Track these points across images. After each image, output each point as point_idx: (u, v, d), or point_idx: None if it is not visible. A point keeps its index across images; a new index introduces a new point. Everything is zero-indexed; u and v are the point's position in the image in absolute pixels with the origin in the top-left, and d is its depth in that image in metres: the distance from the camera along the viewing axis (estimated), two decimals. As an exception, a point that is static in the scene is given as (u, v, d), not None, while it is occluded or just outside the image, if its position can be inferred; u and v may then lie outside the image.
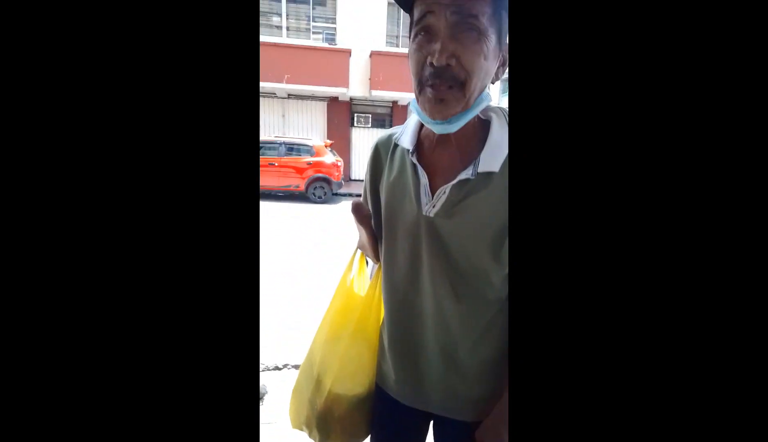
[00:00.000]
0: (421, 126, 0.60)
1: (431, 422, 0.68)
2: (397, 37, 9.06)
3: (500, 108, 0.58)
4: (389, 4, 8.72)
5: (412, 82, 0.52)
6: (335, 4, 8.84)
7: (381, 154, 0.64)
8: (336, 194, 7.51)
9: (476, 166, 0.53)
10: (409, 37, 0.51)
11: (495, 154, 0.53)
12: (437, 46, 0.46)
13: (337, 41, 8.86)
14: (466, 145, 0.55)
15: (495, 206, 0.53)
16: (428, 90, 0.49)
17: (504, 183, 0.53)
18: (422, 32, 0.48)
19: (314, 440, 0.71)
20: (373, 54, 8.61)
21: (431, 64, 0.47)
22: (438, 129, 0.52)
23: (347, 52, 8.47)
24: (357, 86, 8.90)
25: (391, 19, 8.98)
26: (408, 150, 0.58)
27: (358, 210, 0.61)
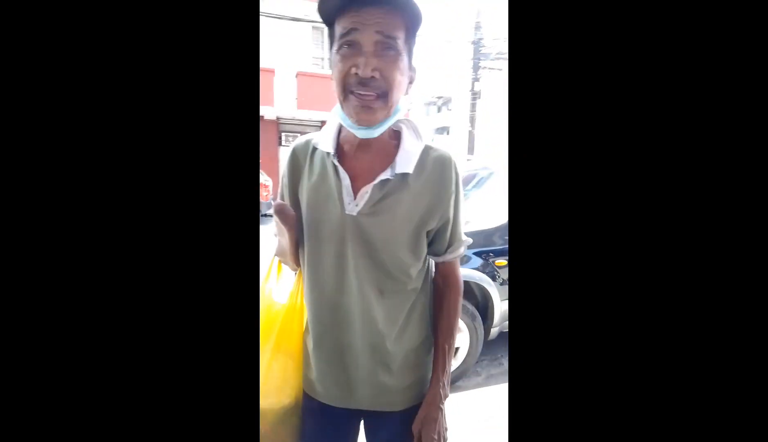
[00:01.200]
0: (340, 131, 0.63)
1: (361, 422, 0.70)
2: (323, 59, 9.22)
3: (407, 119, 0.65)
4: (314, 28, 8.87)
5: (335, 89, 0.56)
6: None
7: (299, 159, 0.65)
8: (264, 215, 7.21)
9: (394, 168, 0.59)
10: (331, 49, 0.57)
11: (409, 157, 0.60)
12: (362, 59, 0.52)
13: (261, 61, 8.69)
14: (383, 149, 0.61)
15: (412, 203, 0.60)
16: (353, 98, 0.54)
17: (419, 181, 0.60)
18: (347, 45, 0.53)
19: None
20: (299, 74, 8.63)
21: (356, 74, 0.53)
22: (362, 134, 0.58)
23: (271, 72, 8.37)
24: (284, 106, 8.79)
25: (317, 43, 9.12)
26: (329, 153, 0.61)
27: (282, 211, 0.61)
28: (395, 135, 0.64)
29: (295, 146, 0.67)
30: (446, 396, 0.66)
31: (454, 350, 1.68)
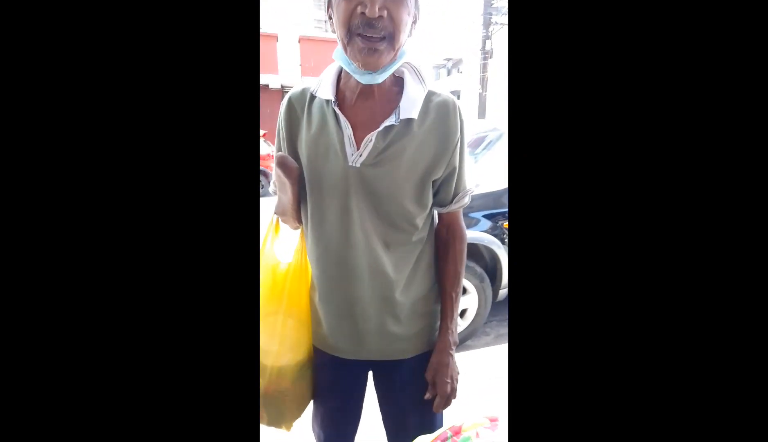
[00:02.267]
0: (339, 78, 0.60)
1: (370, 373, 0.72)
2: (326, 21, 8.84)
3: (409, 63, 0.62)
4: (315, -13, 8.44)
5: (338, 31, 0.53)
6: (257, -15, 8.31)
7: (296, 109, 0.62)
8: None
9: (398, 113, 0.56)
10: None
11: (413, 102, 0.57)
12: None
13: (262, 26, 8.41)
14: (386, 95, 0.58)
15: (417, 151, 0.58)
16: (359, 40, 0.51)
17: (423, 128, 0.58)
18: None
19: (264, 423, 0.71)
20: (302, 39, 8.31)
21: (362, 13, 0.49)
22: (366, 80, 0.55)
23: (274, 38, 8.08)
24: (287, 74, 8.56)
25: (318, 3, 8.71)
26: (330, 101, 0.58)
27: (284, 163, 0.58)
28: (397, 81, 0.61)
29: (291, 95, 0.64)
30: (455, 343, 0.68)
31: (461, 301, 1.70)
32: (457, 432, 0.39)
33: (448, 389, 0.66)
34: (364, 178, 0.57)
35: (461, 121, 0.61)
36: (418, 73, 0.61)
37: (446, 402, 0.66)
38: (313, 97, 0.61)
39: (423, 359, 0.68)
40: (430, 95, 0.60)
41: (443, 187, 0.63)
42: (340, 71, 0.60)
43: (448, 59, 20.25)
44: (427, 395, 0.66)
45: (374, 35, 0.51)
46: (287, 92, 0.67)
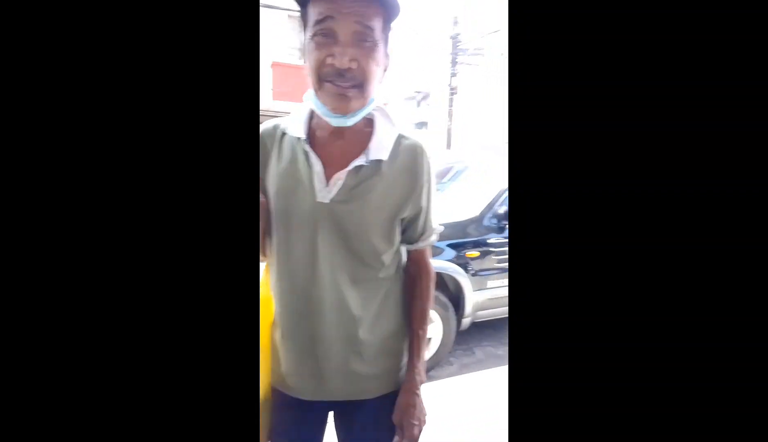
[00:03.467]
0: (311, 117, 0.62)
1: (331, 414, 0.69)
2: (298, 49, 9.03)
3: (381, 107, 0.64)
4: (289, 16, 8.66)
5: (309, 77, 0.55)
6: (231, 10, 8.38)
7: (266, 144, 0.63)
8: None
9: (368, 154, 0.59)
10: (305, 33, 0.55)
11: (383, 143, 0.60)
12: (339, 49, 0.51)
13: (235, 49, 8.39)
14: (357, 137, 0.60)
15: (386, 191, 0.59)
16: (329, 86, 0.53)
17: (392, 169, 0.60)
18: (322, 33, 0.52)
19: None
20: (275, 65, 8.41)
21: (332, 64, 0.51)
22: (337, 122, 0.56)
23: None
24: (260, 97, 8.56)
25: (292, 32, 8.92)
26: (300, 138, 0.59)
27: None
28: (368, 123, 0.62)
29: (262, 132, 0.64)
30: (422, 381, 0.67)
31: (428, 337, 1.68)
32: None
33: (416, 431, 0.65)
34: (332, 214, 0.58)
35: (428, 164, 0.63)
36: (388, 117, 0.64)
37: (412, 429, 0.65)
38: (284, 133, 0.62)
39: (387, 400, 0.66)
40: (400, 138, 0.62)
41: (411, 225, 0.65)
42: (312, 111, 0.61)
43: (418, 92, 21.16)
44: (396, 439, 0.65)
45: (343, 84, 0.53)
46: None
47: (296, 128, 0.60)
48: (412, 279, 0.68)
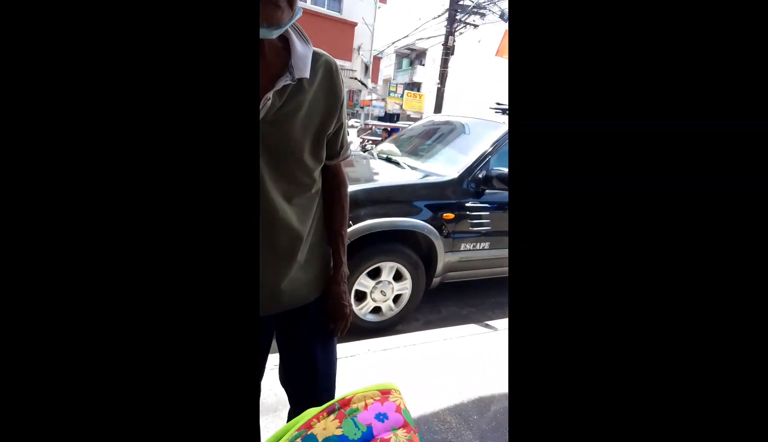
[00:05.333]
0: None
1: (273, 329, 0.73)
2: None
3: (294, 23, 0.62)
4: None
5: None
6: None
7: None
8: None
9: (293, 72, 0.57)
10: None
11: (304, 61, 0.59)
12: None
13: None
14: (275, 51, 0.58)
15: (310, 108, 0.61)
16: None
17: (313, 87, 0.61)
18: None
19: None
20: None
21: None
22: (263, 33, 0.53)
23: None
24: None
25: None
26: None
27: None
28: (282, 38, 0.60)
29: None
30: (347, 274, 0.76)
31: (396, 286, 1.71)
32: (346, 404, 0.38)
33: (347, 311, 0.74)
34: (264, 136, 0.57)
35: (342, 81, 0.67)
36: (302, 33, 0.62)
37: (345, 326, 0.75)
38: None
39: (321, 299, 0.73)
40: (315, 54, 0.62)
41: (332, 141, 0.68)
42: None
43: (412, 50, 20.22)
44: (331, 326, 0.73)
45: None
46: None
47: None
48: (333, 189, 0.74)
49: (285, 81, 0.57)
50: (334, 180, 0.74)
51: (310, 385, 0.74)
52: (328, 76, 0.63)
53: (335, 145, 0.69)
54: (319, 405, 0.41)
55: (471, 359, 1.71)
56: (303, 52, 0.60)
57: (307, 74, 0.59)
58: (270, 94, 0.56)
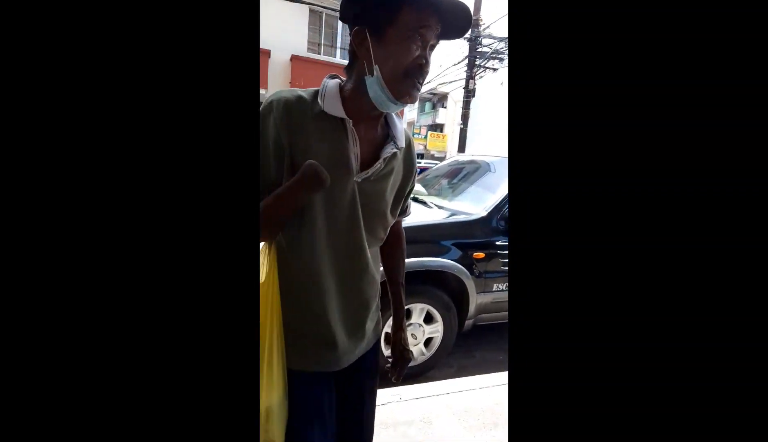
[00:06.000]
0: (342, 100, 0.64)
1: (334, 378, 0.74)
2: (319, 45, 9.07)
3: None
4: (311, 11, 8.70)
5: (388, 68, 0.60)
6: (253, 2, 8.46)
7: (294, 116, 0.62)
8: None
9: (396, 142, 0.68)
10: (391, 26, 0.59)
11: (401, 132, 0.71)
12: (427, 54, 0.61)
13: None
14: (379, 124, 0.70)
15: (397, 172, 0.72)
16: (412, 81, 0.61)
17: (401, 154, 0.72)
18: (420, 37, 0.60)
19: None
20: (294, 58, 8.46)
21: (420, 65, 0.60)
22: (393, 109, 0.65)
23: (266, 53, 8.18)
24: (277, 89, 8.63)
25: (313, 28, 8.96)
26: (345, 119, 0.64)
27: (318, 174, 0.57)
28: (381, 113, 0.68)
29: (287, 102, 0.63)
30: (404, 319, 0.85)
31: (426, 330, 1.73)
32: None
33: (411, 356, 0.84)
34: (362, 191, 0.66)
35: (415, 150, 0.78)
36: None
37: (404, 369, 0.83)
38: (321, 111, 0.63)
39: (377, 345, 0.80)
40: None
41: (403, 201, 0.78)
42: (341, 94, 0.65)
43: (434, 94, 21.05)
44: (395, 372, 0.82)
45: (422, 81, 0.63)
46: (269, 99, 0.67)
47: (336, 109, 0.63)
48: (396, 241, 0.85)
49: (392, 149, 0.67)
50: (397, 233, 0.85)
51: (357, 430, 0.78)
52: (408, 146, 0.74)
53: (404, 204, 0.79)
54: None
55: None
56: (400, 124, 0.71)
57: (404, 144, 0.71)
58: (383, 158, 0.66)
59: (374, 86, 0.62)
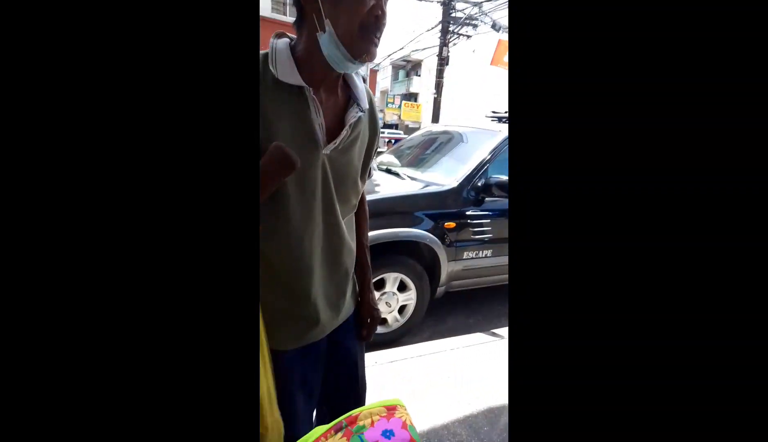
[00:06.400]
0: (297, 64, 0.58)
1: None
2: (284, 4, 8.52)
3: None
4: (275, -33, 8.09)
5: (344, 24, 0.54)
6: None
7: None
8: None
9: (359, 104, 0.63)
10: None
11: (363, 93, 0.65)
12: (383, 3, 0.55)
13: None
14: (339, 86, 0.63)
15: (363, 136, 0.67)
16: (370, 36, 0.55)
17: (364, 116, 0.66)
18: None
19: None
20: (261, 19, 7.96)
21: (377, 17, 0.54)
22: (349, 69, 0.59)
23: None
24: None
25: (278, -14, 8.37)
26: (305, 88, 0.57)
27: (287, 156, 0.52)
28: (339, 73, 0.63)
29: None
30: (372, 280, 0.82)
31: (400, 298, 1.75)
32: (352, 421, 0.38)
33: (379, 315, 0.81)
34: (332, 163, 0.62)
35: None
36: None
37: (375, 327, 0.80)
38: (275, 79, 0.57)
39: (357, 309, 0.78)
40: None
41: (370, 161, 0.75)
42: (293, 57, 0.59)
43: (408, 61, 20.49)
44: (365, 332, 0.79)
45: (379, 35, 0.57)
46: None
47: (292, 76, 0.56)
48: (359, 205, 0.78)
49: (357, 112, 0.62)
50: (360, 200, 0.80)
51: (353, 391, 0.78)
52: (370, 105, 0.68)
53: (368, 167, 0.74)
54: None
55: (480, 369, 1.70)
56: (361, 84, 0.65)
57: (367, 106, 0.65)
58: (349, 126, 0.62)
59: (328, 44, 0.55)
